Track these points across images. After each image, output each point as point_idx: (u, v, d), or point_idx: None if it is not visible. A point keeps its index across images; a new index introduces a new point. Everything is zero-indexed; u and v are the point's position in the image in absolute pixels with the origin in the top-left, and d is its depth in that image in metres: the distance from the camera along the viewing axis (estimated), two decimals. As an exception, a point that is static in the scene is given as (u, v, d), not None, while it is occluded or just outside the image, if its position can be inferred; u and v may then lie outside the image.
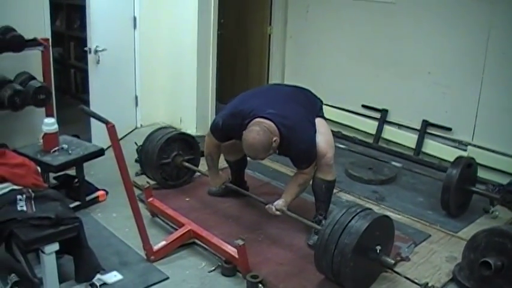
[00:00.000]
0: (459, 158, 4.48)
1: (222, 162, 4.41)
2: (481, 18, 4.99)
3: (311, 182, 3.88)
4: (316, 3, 6.48)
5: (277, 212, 3.75)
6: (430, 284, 3.37)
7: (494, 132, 5.11)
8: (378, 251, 3.25)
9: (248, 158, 4.22)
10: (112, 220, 4.17)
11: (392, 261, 3.32)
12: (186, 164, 4.65)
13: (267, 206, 3.81)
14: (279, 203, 3.76)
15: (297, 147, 3.64)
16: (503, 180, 4.90)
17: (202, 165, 4.77)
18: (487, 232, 3.28)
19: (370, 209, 3.47)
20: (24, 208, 3.07)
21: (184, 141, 4.72)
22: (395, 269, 3.52)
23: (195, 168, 4.70)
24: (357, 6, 6.05)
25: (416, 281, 3.45)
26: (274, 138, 3.49)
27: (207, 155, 4.18)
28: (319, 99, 4.09)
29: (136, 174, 4.88)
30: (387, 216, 3.47)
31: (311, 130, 3.72)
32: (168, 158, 4.59)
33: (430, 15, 5.39)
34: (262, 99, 3.80)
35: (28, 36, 4.57)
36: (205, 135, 4.14)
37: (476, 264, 3.23)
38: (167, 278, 3.46)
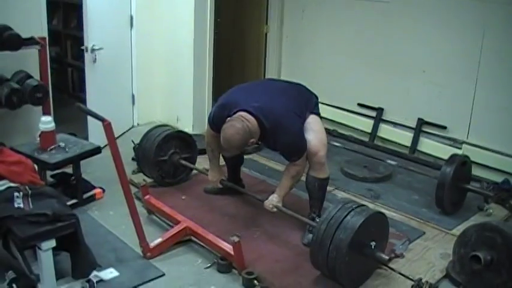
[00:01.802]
0: (454, 156, 4.51)
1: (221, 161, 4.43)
2: (476, 18, 5.02)
3: (304, 180, 3.91)
4: (312, 3, 6.50)
5: (274, 209, 3.78)
6: (424, 280, 3.40)
7: (488, 131, 5.15)
8: (373, 247, 3.28)
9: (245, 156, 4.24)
10: (109, 217, 4.19)
11: (387, 257, 3.35)
12: (183, 162, 4.67)
13: (265, 203, 3.84)
14: (273, 198, 3.80)
15: (283, 140, 3.66)
16: (498, 178, 4.95)
17: (199, 163, 4.81)
18: (477, 227, 3.31)
19: (366, 205, 3.49)
20: (21, 205, 3.09)
21: (181, 139, 4.75)
22: (390, 265, 3.55)
23: (192, 166, 4.73)
24: (352, 5, 6.08)
25: (410, 277, 3.48)
26: (252, 140, 3.56)
27: (207, 145, 4.22)
28: (314, 95, 4.09)
29: (133, 172, 4.91)
30: (382, 213, 3.50)
31: (297, 122, 3.72)
32: (165, 156, 4.61)
33: (425, 15, 5.42)
34: (250, 92, 3.85)
35: (25, 35, 4.57)
36: (205, 128, 4.18)
37: (466, 259, 3.26)
38: (163, 275, 3.48)
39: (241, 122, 3.52)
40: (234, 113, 3.61)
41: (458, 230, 4.00)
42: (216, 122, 3.84)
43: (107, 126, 3.22)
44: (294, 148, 3.71)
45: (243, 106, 3.62)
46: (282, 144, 3.70)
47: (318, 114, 4.01)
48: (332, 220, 3.23)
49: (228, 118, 3.60)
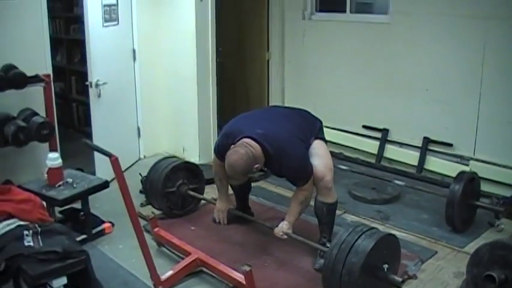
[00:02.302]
0: (461, 173, 4.50)
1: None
2: (476, 34, 5.05)
3: (313, 205, 3.90)
4: (312, 27, 6.56)
5: (284, 236, 3.77)
6: (438, 301, 3.37)
7: (495, 146, 5.14)
8: (386, 270, 3.26)
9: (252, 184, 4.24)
10: (119, 251, 4.18)
11: (400, 279, 3.33)
12: (191, 192, 4.67)
13: (275, 230, 3.82)
14: (283, 225, 3.78)
15: (288, 165, 3.67)
16: (507, 193, 4.92)
17: (207, 194, 4.80)
18: (489, 245, 3.27)
19: (376, 228, 3.48)
20: (31, 243, 3.10)
21: (188, 170, 4.76)
22: (404, 287, 3.52)
23: (200, 196, 4.73)
24: (352, 28, 6.13)
25: (424, 298, 3.45)
26: (256, 166, 3.57)
27: (215, 175, 4.23)
28: (318, 119, 4.11)
29: (141, 205, 4.91)
30: (393, 235, 3.49)
31: (301, 147, 3.74)
32: (173, 187, 4.61)
33: (426, 34, 5.46)
34: (253, 119, 3.88)
35: (30, 72, 4.62)
36: (212, 159, 4.19)
37: (480, 279, 3.22)
38: (176, 307, 3.47)
39: (244, 148, 3.53)
40: (238, 141, 3.63)
41: (470, 248, 3.98)
42: (221, 151, 3.85)
43: (114, 162, 3.22)
44: (299, 172, 3.72)
45: (247, 133, 3.64)
46: (287, 169, 3.72)
47: (323, 138, 4.03)
48: (343, 244, 3.21)
49: (232, 146, 3.61)
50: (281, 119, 3.90)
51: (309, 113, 4.15)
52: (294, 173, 3.74)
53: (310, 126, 3.97)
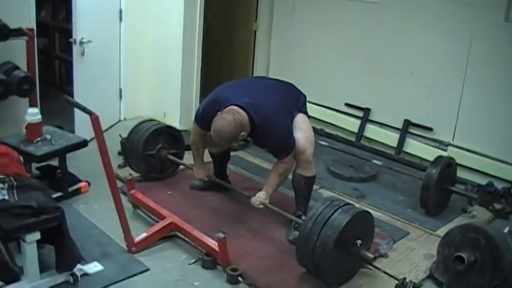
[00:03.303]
0: (439, 157, 4.55)
1: (207, 157, 4.42)
2: (464, 21, 5.06)
3: (291, 178, 3.92)
4: (301, 2, 6.51)
5: (260, 206, 3.79)
6: (407, 280, 3.42)
7: (474, 134, 5.19)
8: (359, 245, 3.30)
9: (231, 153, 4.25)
10: (94, 211, 4.17)
11: (372, 256, 3.37)
12: (171, 157, 4.67)
13: (251, 199, 3.84)
14: (260, 195, 3.81)
15: (272, 137, 3.68)
16: (482, 181, 5.01)
17: (186, 159, 4.79)
18: (461, 228, 3.35)
19: (352, 204, 3.52)
20: (6, 197, 3.06)
21: (169, 135, 4.75)
22: (374, 264, 3.57)
23: (179, 161, 4.72)
24: (342, 5, 6.10)
25: (394, 276, 3.50)
26: (242, 133, 3.56)
27: (192, 143, 4.22)
28: (302, 94, 4.12)
29: (119, 167, 4.89)
30: (368, 212, 3.53)
31: (286, 120, 3.75)
32: (153, 150, 4.60)
33: (414, 17, 5.46)
34: (241, 88, 3.85)
35: (13, 25, 4.52)
36: (192, 124, 4.18)
37: (450, 259, 3.29)
38: (148, 270, 3.48)
39: (232, 115, 3.52)
40: (225, 108, 3.62)
41: (442, 231, 4.03)
42: (206, 117, 3.82)
43: (95, 120, 3.21)
44: (282, 145, 3.73)
45: (234, 101, 3.62)
46: (270, 140, 3.72)
47: (306, 113, 4.04)
48: (319, 217, 3.25)
49: (219, 112, 3.60)
50: (268, 90, 3.89)
51: (294, 86, 4.15)
52: (277, 144, 3.74)
53: (295, 100, 3.98)
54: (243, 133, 3.56)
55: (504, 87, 4.93)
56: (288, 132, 3.72)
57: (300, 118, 3.89)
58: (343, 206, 3.33)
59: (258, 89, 3.87)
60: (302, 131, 3.82)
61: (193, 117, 4.15)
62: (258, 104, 3.63)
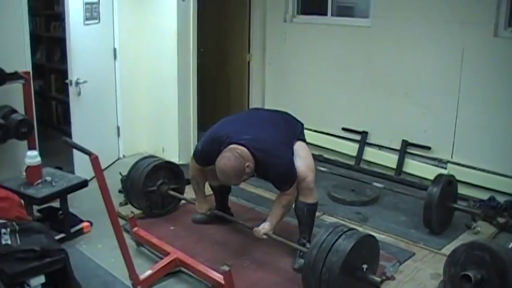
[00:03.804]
0: (439, 176, 4.54)
1: (207, 190, 4.42)
2: (455, 39, 5.12)
3: (293, 206, 3.92)
4: (293, 30, 6.59)
5: (264, 236, 3.78)
6: (416, 302, 3.40)
7: (472, 149, 5.20)
8: (365, 270, 3.28)
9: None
10: (97, 251, 4.15)
11: (379, 279, 3.35)
12: (172, 192, 4.67)
13: (254, 229, 3.83)
14: (265, 226, 3.79)
15: (275, 170, 3.69)
16: (484, 196, 4.99)
17: (187, 193, 4.79)
18: (466, 246, 3.33)
19: (356, 229, 3.51)
20: (9, 242, 3.07)
21: (169, 170, 4.75)
22: (381, 288, 3.55)
23: (180, 196, 4.72)
24: (333, 30, 6.17)
25: (402, 299, 3.49)
26: (247, 164, 3.55)
27: (192, 178, 4.22)
28: (300, 122, 4.15)
29: (121, 205, 4.88)
30: (372, 236, 3.52)
31: (287, 152, 3.77)
32: (153, 186, 4.60)
33: (405, 38, 5.52)
34: (239, 125, 3.87)
35: (9, 69, 4.58)
36: (191, 159, 4.18)
37: (457, 279, 3.27)
38: (154, 307, 3.46)
39: (230, 151, 3.54)
40: (225, 147, 3.63)
41: (447, 250, 4.02)
42: (205, 155, 3.86)
43: (94, 160, 3.21)
44: (285, 177, 3.74)
45: (234, 139, 3.65)
46: (273, 174, 3.73)
47: (304, 140, 4.06)
48: (324, 244, 3.24)
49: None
50: (266, 124, 3.91)
51: (290, 115, 4.18)
52: (280, 178, 3.75)
53: (293, 130, 4.01)
54: (247, 164, 3.54)
55: (498, 101, 4.96)
56: (290, 164, 3.73)
57: (298, 146, 3.90)
58: (346, 231, 3.32)
59: (255, 124, 3.89)
60: (302, 158, 3.83)
61: (192, 153, 4.15)
62: (258, 140, 3.65)
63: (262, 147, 3.63)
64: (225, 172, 3.52)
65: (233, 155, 3.51)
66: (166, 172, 4.71)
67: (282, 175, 3.72)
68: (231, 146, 3.61)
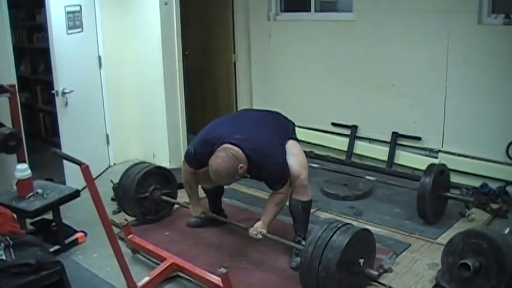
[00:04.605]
0: (431, 165, 4.56)
1: (200, 193, 4.41)
2: (440, 28, 5.14)
3: (288, 204, 3.91)
4: (277, 28, 6.59)
5: (259, 236, 3.78)
6: (414, 292, 3.41)
7: (462, 138, 5.23)
8: (362, 264, 3.29)
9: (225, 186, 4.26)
10: (93, 261, 4.13)
11: (376, 273, 3.36)
12: (164, 197, 4.65)
13: (250, 230, 3.83)
14: (258, 226, 3.79)
15: (268, 170, 3.68)
16: (476, 183, 5.03)
17: (180, 198, 4.78)
18: (462, 234, 3.34)
19: (351, 223, 3.51)
20: (3, 257, 3.04)
21: (161, 175, 4.74)
22: (380, 281, 3.55)
23: (173, 201, 4.71)
24: (318, 27, 6.18)
25: (401, 291, 3.49)
26: (240, 165, 3.54)
27: (185, 183, 4.21)
28: (291, 121, 4.16)
29: (114, 213, 4.86)
30: (368, 229, 3.53)
31: (280, 151, 3.77)
32: (146, 192, 4.58)
33: (390, 30, 5.53)
34: (230, 125, 3.86)
35: (-6, 83, 4.55)
36: (182, 163, 4.17)
37: (455, 267, 3.28)
38: (154, 314, 3.45)
39: (223, 151, 3.54)
40: (218, 147, 3.63)
41: (443, 239, 4.04)
42: (198, 157, 3.85)
43: (85, 170, 3.18)
44: (278, 176, 3.74)
45: (227, 139, 3.64)
46: (266, 174, 3.73)
47: (296, 139, 4.06)
48: (319, 241, 3.24)
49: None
50: (258, 124, 3.91)
51: (281, 115, 4.19)
52: (273, 177, 3.75)
53: (284, 129, 4.01)
54: (241, 165, 3.54)
55: (486, 88, 4.99)
56: (283, 164, 3.73)
57: (290, 144, 3.90)
58: (341, 227, 3.32)
59: (247, 124, 3.88)
60: (294, 156, 3.82)
61: (183, 157, 4.13)
62: (250, 140, 3.64)
63: (255, 147, 3.62)
64: (218, 172, 3.51)
65: (227, 155, 3.50)
66: (157, 178, 4.69)
67: (275, 174, 3.72)
68: (225, 145, 3.60)
